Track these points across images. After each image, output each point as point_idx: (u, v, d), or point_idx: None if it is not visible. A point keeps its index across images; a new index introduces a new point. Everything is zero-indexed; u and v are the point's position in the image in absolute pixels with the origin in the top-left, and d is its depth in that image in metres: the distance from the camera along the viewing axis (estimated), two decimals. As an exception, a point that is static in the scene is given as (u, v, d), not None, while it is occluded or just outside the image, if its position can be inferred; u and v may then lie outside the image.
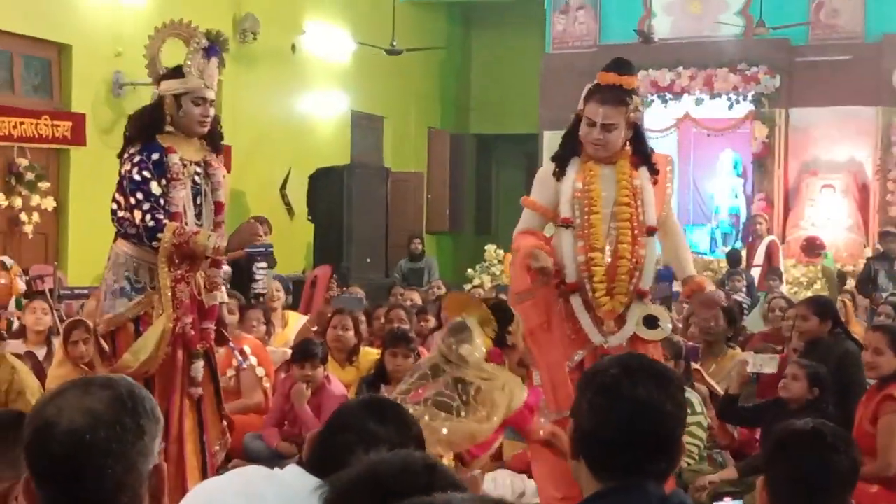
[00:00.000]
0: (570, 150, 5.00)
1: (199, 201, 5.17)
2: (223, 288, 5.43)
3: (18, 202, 11.37)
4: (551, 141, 17.54)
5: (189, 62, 5.12)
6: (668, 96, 16.90)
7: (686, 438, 5.65)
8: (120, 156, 5.15)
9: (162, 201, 4.98)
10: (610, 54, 18.18)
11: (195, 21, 5.40)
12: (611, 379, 2.27)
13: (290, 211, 15.38)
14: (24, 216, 11.44)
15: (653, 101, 17.06)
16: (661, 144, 17.31)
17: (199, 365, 5.10)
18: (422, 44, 16.96)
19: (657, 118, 17.18)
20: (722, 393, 6.20)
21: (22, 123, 11.39)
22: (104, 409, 2.01)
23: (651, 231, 4.96)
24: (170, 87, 5.10)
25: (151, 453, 2.05)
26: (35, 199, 11.52)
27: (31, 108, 11.70)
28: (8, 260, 10.20)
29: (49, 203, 11.67)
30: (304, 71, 16.11)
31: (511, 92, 19.49)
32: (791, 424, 2.97)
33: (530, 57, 18.43)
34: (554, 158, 5.03)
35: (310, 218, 15.34)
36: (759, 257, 14.58)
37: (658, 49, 16.31)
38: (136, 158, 5.03)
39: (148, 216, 4.96)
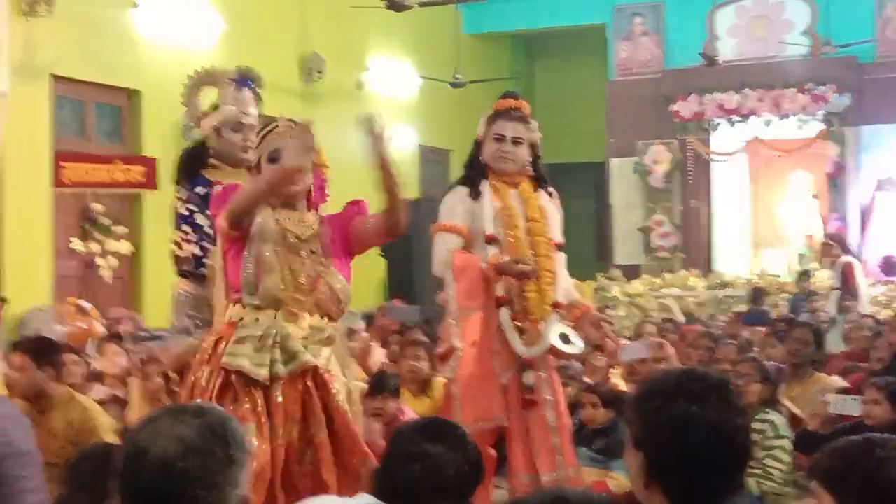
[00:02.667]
0: (478, 172, 5.25)
1: None
2: None
3: (95, 247, 11.52)
4: (619, 168, 17.57)
5: (221, 95, 5.21)
6: (736, 118, 16.79)
7: (769, 462, 5.57)
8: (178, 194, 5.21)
9: (211, 231, 4.99)
10: (675, 78, 18.35)
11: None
12: (681, 410, 2.25)
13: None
14: (100, 261, 11.58)
15: (720, 124, 16.98)
16: (730, 167, 17.22)
17: None
18: (486, 76, 17.00)
19: (725, 141, 17.09)
20: (803, 417, 6.10)
21: (95, 169, 11.54)
22: (196, 437, 2.03)
23: (559, 247, 5.30)
24: (208, 121, 5.20)
25: (240, 483, 2.07)
26: (111, 244, 11.66)
27: (103, 153, 11.87)
28: (86, 304, 10.36)
29: (124, 247, 11.82)
30: (371, 107, 16.18)
31: (576, 120, 19.46)
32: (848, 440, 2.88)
33: (594, 85, 18.42)
34: (464, 182, 5.24)
35: (381, 253, 15.38)
36: (836, 280, 14.36)
37: (723, 71, 16.23)
38: (184, 195, 5.13)
39: (195, 246, 5.02)
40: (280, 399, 4.05)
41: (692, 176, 17.12)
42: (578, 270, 17.94)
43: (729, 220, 17.53)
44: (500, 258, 5.05)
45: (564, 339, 5.11)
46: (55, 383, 5.54)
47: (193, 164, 5.16)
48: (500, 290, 5.08)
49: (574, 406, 5.99)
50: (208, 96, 5.41)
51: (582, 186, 20.73)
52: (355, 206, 4.46)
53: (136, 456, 2.02)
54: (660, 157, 17.18)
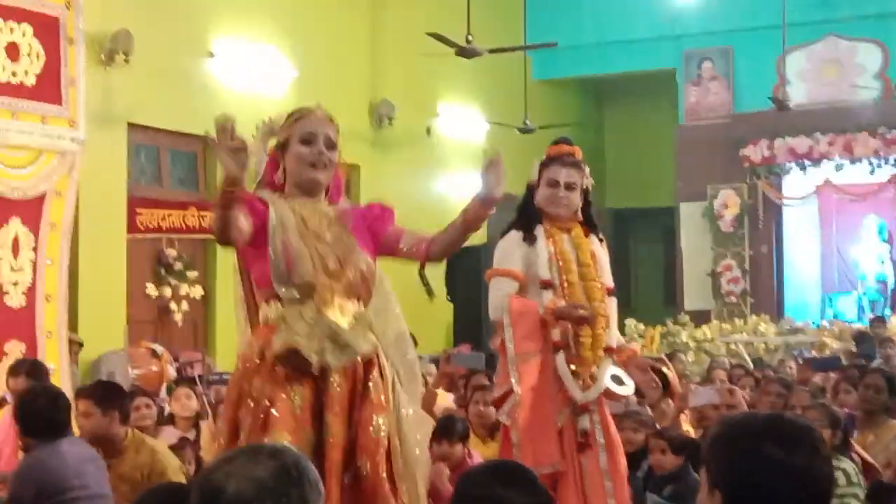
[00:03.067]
0: (531, 217, 5.28)
1: None
2: None
3: (168, 291, 11.70)
4: (688, 213, 17.50)
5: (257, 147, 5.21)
6: (807, 163, 16.69)
7: (841, 511, 5.50)
8: None
9: None
10: (745, 123, 18.26)
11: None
12: (768, 453, 2.22)
13: (429, 291, 15.47)
14: (173, 305, 11.76)
15: (791, 168, 16.88)
16: (801, 212, 17.08)
17: None
18: (554, 121, 17.05)
19: (796, 185, 16.99)
20: (877, 466, 6.01)
21: (170, 215, 11.76)
22: (270, 478, 2.06)
23: (610, 292, 5.28)
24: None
25: None
26: (184, 288, 11.85)
27: (177, 199, 12.08)
28: (158, 348, 10.50)
29: (197, 291, 11.99)
30: (440, 152, 16.33)
31: (646, 165, 19.45)
32: None
33: (664, 129, 18.40)
34: (517, 227, 5.26)
35: (449, 298, 15.43)
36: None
37: (794, 116, 16.15)
38: None
39: None
40: (338, 389, 3.91)
41: (762, 220, 17.01)
42: (647, 315, 17.92)
43: (799, 264, 17.38)
44: (557, 303, 5.07)
45: (617, 380, 5.14)
46: (122, 427, 5.58)
47: None
48: (555, 335, 5.08)
49: (644, 452, 5.97)
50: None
51: (651, 231, 20.71)
52: (386, 212, 4.36)
53: (212, 495, 2.05)
54: (729, 202, 17.09)
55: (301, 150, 4.22)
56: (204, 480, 2.10)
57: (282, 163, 4.27)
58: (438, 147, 16.33)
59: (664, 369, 7.94)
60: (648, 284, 20.77)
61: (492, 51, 13.55)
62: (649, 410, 6.91)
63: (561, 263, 5.18)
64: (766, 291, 17.04)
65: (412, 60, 14.90)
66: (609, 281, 5.33)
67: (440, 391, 9.10)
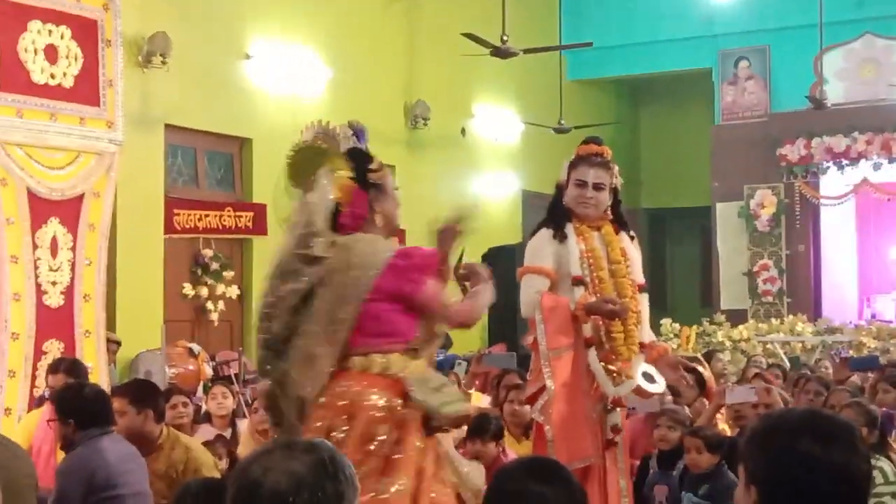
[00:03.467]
0: (561, 216, 5.34)
1: None
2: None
3: (204, 291, 11.78)
4: (724, 213, 17.43)
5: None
6: (844, 162, 16.58)
7: (879, 511, 5.47)
8: None
9: None
10: (781, 122, 18.14)
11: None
12: (805, 448, 2.21)
13: (464, 291, 15.49)
14: (209, 304, 11.83)
15: (828, 167, 16.77)
16: (839, 211, 16.97)
17: None
18: (590, 121, 17.02)
19: (833, 185, 16.88)
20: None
21: (207, 216, 11.83)
22: (307, 472, 2.08)
23: (641, 288, 5.37)
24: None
25: None
26: (220, 288, 11.91)
27: (214, 200, 12.16)
28: (196, 347, 10.57)
29: (233, 291, 12.06)
30: (475, 153, 16.34)
31: (682, 165, 19.38)
32: None
33: (700, 129, 18.33)
34: (549, 225, 5.33)
35: (484, 298, 15.43)
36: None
37: (831, 115, 16.05)
38: None
39: None
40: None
41: (799, 220, 16.92)
42: (683, 315, 17.84)
43: (836, 264, 17.27)
44: (589, 298, 5.12)
45: (649, 378, 5.19)
46: (156, 425, 5.62)
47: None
48: (588, 331, 5.15)
49: (679, 451, 5.96)
50: None
51: (687, 231, 20.63)
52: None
53: (249, 489, 2.07)
54: (766, 202, 17.01)
55: (398, 198, 4.43)
56: (241, 474, 2.12)
57: (377, 205, 4.34)
58: (473, 147, 16.35)
59: (700, 368, 7.94)
60: (684, 284, 20.68)
61: (526, 51, 13.53)
62: (686, 409, 6.90)
63: (591, 260, 5.23)
64: (803, 291, 16.95)
65: (447, 61, 14.92)
66: (640, 278, 5.40)
67: (474, 392, 9.12)
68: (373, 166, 4.36)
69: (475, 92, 16.36)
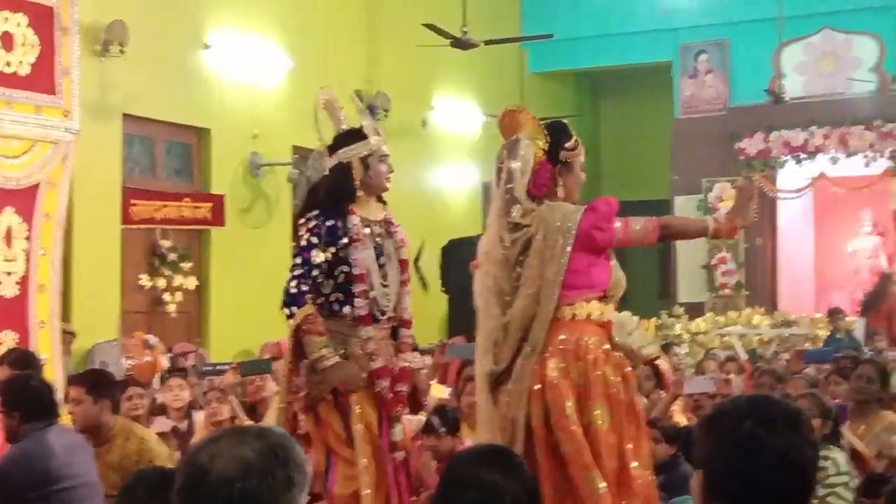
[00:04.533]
0: None
1: (382, 261, 5.18)
2: (416, 352, 5.43)
3: (162, 283, 11.71)
4: (683, 206, 17.47)
5: (364, 124, 5.23)
6: (802, 156, 16.69)
7: (832, 500, 5.51)
8: (297, 220, 5.20)
9: (316, 272, 5.01)
10: (740, 116, 18.22)
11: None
12: (747, 430, 2.22)
13: (424, 284, 15.51)
14: (167, 296, 11.77)
15: (786, 161, 16.87)
16: (796, 205, 17.09)
17: (399, 429, 5.09)
18: (550, 113, 16.98)
19: (791, 178, 16.99)
20: (869, 456, 6.02)
21: (164, 206, 11.77)
22: (256, 458, 2.04)
23: None
24: (354, 151, 5.16)
25: None
26: (178, 280, 11.85)
27: (172, 191, 12.09)
28: (152, 338, 10.52)
29: (191, 283, 12.00)
30: (435, 145, 16.32)
31: (641, 158, 19.45)
32: None
33: (660, 122, 18.40)
34: None
35: (444, 289, 15.44)
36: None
37: (790, 109, 16.15)
38: (312, 224, 5.06)
39: (294, 282, 5.00)
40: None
41: (757, 213, 16.96)
42: (642, 307, 17.94)
43: (794, 258, 17.40)
44: None
45: None
46: (111, 416, 5.59)
47: (344, 197, 5.12)
48: None
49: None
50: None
51: (647, 224, 20.70)
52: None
53: (197, 475, 2.04)
54: (724, 195, 17.07)
55: (582, 177, 4.73)
56: (189, 460, 2.09)
57: (561, 179, 4.65)
58: (434, 139, 16.33)
59: (657, 361, 7.97)
60: (643, 277, 20.68)
61: (487, 42, 13.54)
62: (645, 401, 6.94)
63: None
64: (760, 284, 17.05)
65: (408, 52, 14.89)
66: None
67: (435, 383, 9.10)
68: (568, 145, 4.67)
69: (436, 83, 16.35)
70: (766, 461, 2.18)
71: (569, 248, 4.46)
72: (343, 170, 5.16)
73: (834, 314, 13.61)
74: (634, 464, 4.39)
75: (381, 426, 5.08)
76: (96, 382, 5.65)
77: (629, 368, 4.56)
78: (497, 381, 4.57)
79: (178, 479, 2.08)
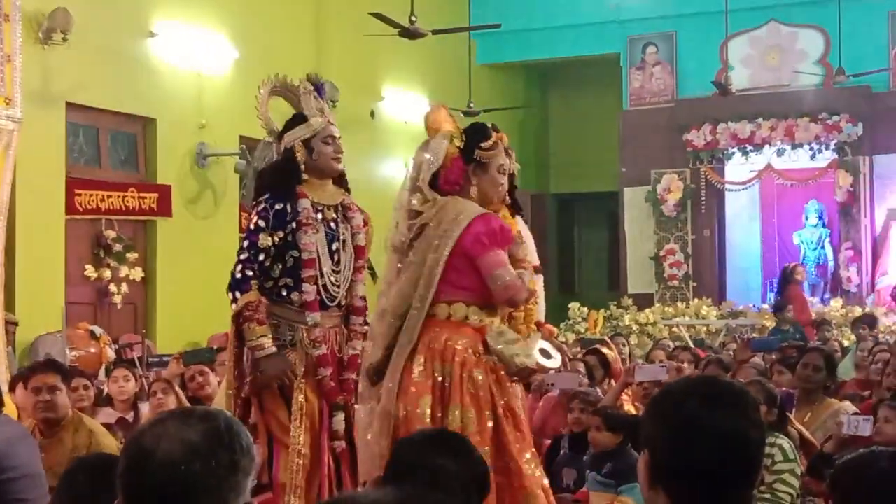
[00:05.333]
0: None
1: (335, 247, 5.16)
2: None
3: (107, 273, 11.58)
4: (632, 197, 17.57)
5: (306, 106, 5.20)
6: (749, 148, 16.80)
7: (779, 486, 5.54)
8: (252, 208, 5.18)
9: (262, 256, 4.99)
10: (688, 108, 18.27)
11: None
12: (691, 410, 2.20)
13: (373, 275, 15.41)
14: (112, 287, 11.64)
15: (733, 153, 16.99)
16: (743, 196, 17.21)
17: (340, 418, 5.06)
18: (499, 105, 17.07)
19: (738, 170, 17.10)
20: (815, 442, 6.06)
21: (109, 196, 11.64)
22: (201, 441, 2.01)
23: (537, 270, 5.51)
24: (297, 134, 5.15)
25: (243, 491, 2.05)
26: (123, 270, 11.73)
27: (117, 181, 11.96)
28: (97, 329, 10.41)
29: (137, 273, 11.88)
30: (384, 136, 16.27)
31: (590, 150, 19.49)
32: (861, 455, 2.85)
33: (608, 114, 18.45)
34: None
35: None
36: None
37: (737, 101, 16.25)
38: (260, 207, 5.06)
39: (239, 266, 4.97)
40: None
41: (704, 205, 17.12)
42: (591, 299, 17.93)
43: (740, 249, 17.53)
44: None
45: (545, 354, 5.33)
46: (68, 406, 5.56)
47: (290, 179, 5.10)
48: None
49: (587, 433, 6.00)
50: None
51: (595, 216, 20.79)
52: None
53: (141, 457, 2.01)
54: (672, 187, 17.18)
55: (500, 179, 4.73)
56: (133, 443, 2.06)
57: (475, 179, 4.65)
58: (382, 130, 16.28)
59: (604, 350, 7.99)
60: (592, 268, 20.87)
61: (435, 32, 13.51)
62: (599, 391, 6.95)
63: None
64: (708, 275, 17.16)
65: (356, 42, 14.82)
66: (535, 259, 5.51)
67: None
68: (484, 145, 4.67)
69: (384, 74, 16.29)
70: (710, 441, 2.17)
71: (451, 243, 4.45)
72: (287, 154, 5.14)
73: (777, 309, 13.63)
74: (526, 456, 4.43)
75: (322, 415, 5.05)
76: (65, 370, 5.62)
77: (503, 373, 4.51)
78: (379, 373, 4.57)
79: (122, 461, 2.04)
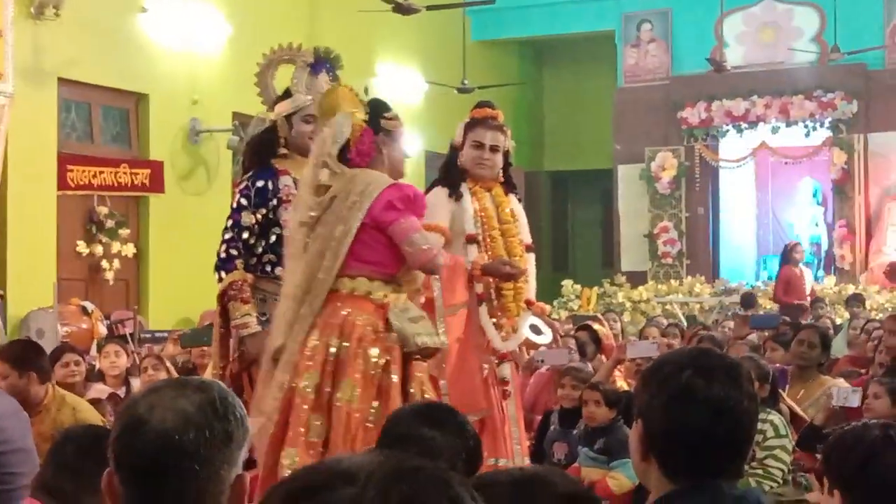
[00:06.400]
0: (456, 175, 5.54)
1: None
2: None
3: (99, 249, 11.55)
4: (626, 175, 17.55)
5: (295, 80, 5.20)
6: (744, 125, 16.78)
7: (770, 462, 5.55)
8: (235, 186, 5.26)
9: (246, 234, 5.02)
10: (683, 85, 18.23)
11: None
12: (685, 380, 2.20)
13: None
14: (105, 263, 11.61)
15: (728, 130, 16.96)
16: (737, 174, 17.19)
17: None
18: (493, 82, 17.00)
19: (732, 148, 17.08)
20: (807, 419, 6.07)
21: (101, 172, 11.59)
22: (195, 411, 2.00)
23: (529, 248, 5.64)
24: (280, 108, 5.21)
25: (236, 462, 2.03)
26: (115, 247, 11.69)
27: (110, 157, 11.91)
28: (89, 305, 10.39)
29: (129, 249, 11.85)
30: (377, 113, 16.19)
31: (584, 128, 19.45)
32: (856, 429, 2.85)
33: (603, 92, 18.40)
34: (444, 183, 5.53)
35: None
36: (808, 285, 14.41)
37: (731, 78, 16.21)
38: (242, 185, 5.13)
39: (224, 246, 5.01)
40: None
41: (699, 183, 17.10)
42: (585, 276, 17.92)
43: (735, 227, 17.52)
44: (484, 258, 5.33)
45: (535, 330, 5.44)
46: (41, 386, 5.50)
47: (264, 152, 5.11)
48: (479, 288, 5.35)
49: (580, 411, 6.01)
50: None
51: (589, 193, 20.75)
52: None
53: (134, 426, 1.99)
54: (666, 164, 17.15)
55: (405, 151, 4.80)
56: (126, 411, 2.04)
57: (385, 150, 4.62)
58: (376, 107, 16.20)
59: (595, 326, 8.00)
60: (586, 246, 20.84)
61: (429, 7, 13.45)
62: (590, 367, 6.96)
63: (484, 220, 5.45)
64: (701, 253, 17.16)
65: (350, 18, 14.75)
66: (528, 238, 5.66)
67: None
68: (388, 115, 4.68)
69: (378, 50, 16.22)
70: (704, 411, 2.18)
71: (361, 214, 4.40)
72: (270, 128, 5.23)
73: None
74: None
75: None
76: (21, 354, 5.56)
77: (398, 353, 4.43)
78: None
79: (115, 428, 2.03)
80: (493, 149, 5.50)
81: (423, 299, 5.22)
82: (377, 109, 4.67)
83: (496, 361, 5.35)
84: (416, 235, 4.44)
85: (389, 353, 4.37)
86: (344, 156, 4.52)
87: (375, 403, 4.28)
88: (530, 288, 5.58)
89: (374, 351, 4.34)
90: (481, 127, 5.51)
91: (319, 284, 4.43)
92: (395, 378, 4.35)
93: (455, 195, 5.44)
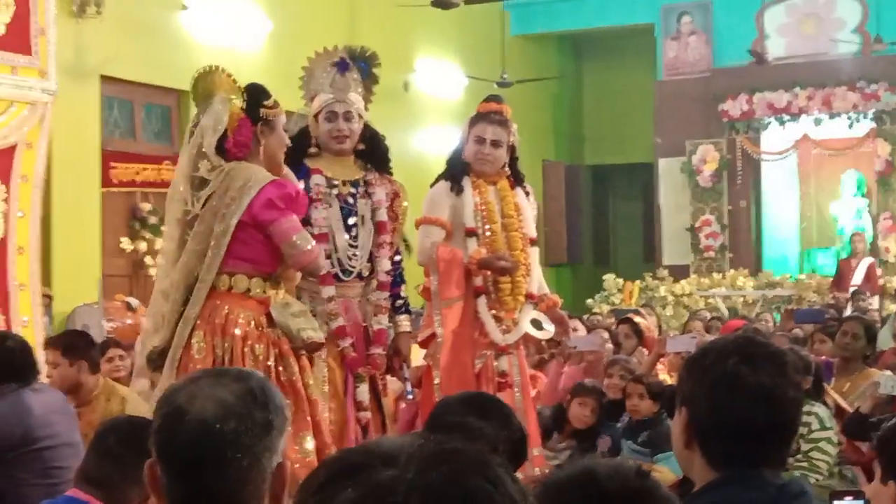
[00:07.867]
0: (460, 169, 5.54)
1: (351, 221, 5.20)
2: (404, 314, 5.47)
3: (143, 246, 11.63)
4: (667, 168, 17.47)
5: (322, 79, 5.23)
6: (786, 117, 16.65)
7: (815, 454, 5.51)
8: None
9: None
10: (724, 78, 18.15)
11: (308, 62, 5.51)
12: (731, 368, 2.19)
13: (408, 247, 15.41)
14: (148, 259, 11.68)
15: (770, 123, 16.85)
16: (779, 166, 17.08)
17: (363, 388, 5.12)
18: (533, 76, 16.97)
19: (775, 140, 16.97)
20: (850, 410, 6.02)
21: (144, 169, 11.67)
22: (235, 400, 2.01)
23: (533, 242, 5.66)
24: (312, 108, 5.27)
25: (277, 450, 2.04)
26: (158, 243, 11.74)
27: (152, 154, 11.99)
28: (133, 301, 10.45)
29: (172, 246, 11.91)
30: (417, 108, 16.22)
31: (625, 121, 19.39)
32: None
33: (643, 85, 18.33)
34: (447, 177, 5.55)
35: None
36: (858, 277, 14.26)
37: (773, 70, 16.11)
38: None
39: None
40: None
41: (741, 176, 17.00)
42: (627, 270, 17.89)
43: (778, 219, 17.41)
44: (482, 252, 5.36)
45: (536, 325, 5.48)
46: (91, 376, 5.56)
47: (296, 152, 5.15)
48: (478, 281, 5.40)
49: (624, 404, 6.00)
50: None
51: (630, 187, 20.69)
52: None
53: (175, 416, 2.01)
54: (708, 157, 17.07)
55: (287, 140, 4.69)
56: (166, 402, 2.06)
57: (263, 139, 4.53)
58: (416, 102, 16.23)
59: (636, 319, 7.97)
60: (627, 240, 20.77)
61: (468, 2, 13.45)
62: (635, 360, 6.94)
63: (485, 213, 5.47)
64: (744, 246, 17.06)
65: (389, 13, 14.77)
66: (532, 232, 5.68)
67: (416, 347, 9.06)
68: (267, 103, 4.53)
69: (417, 45, 16.23)
70: (749, 398, 2.16)
71: (240, 212, 4.33)
72: (304, 127, 5.32)
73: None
74: (300, 435, 4.38)
75: (346, 384, 5.13)
76: (72, 344, 5.62)
77: (287, 347, 4.43)
78: (163, 356, 4.49)
79: (156, 420, 2.05)
80: (494, 143, 5.51)
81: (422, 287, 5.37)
82: (256, 97, 4.54)
83: (494, 354, 5.38)
84: (297, 236, 4.39)
85: (277, 347, 4.39)
86: (221, 145, 4.43)
87: (287, 401, 4.26)
88: (533, 282, 5.59)
89: (260, 348, 4.35)
90: (484, 122, 5.55)
91: (203, 286, 4.40)
92: (295, 369, 4.40)
93: (456, 189, 5.48)
